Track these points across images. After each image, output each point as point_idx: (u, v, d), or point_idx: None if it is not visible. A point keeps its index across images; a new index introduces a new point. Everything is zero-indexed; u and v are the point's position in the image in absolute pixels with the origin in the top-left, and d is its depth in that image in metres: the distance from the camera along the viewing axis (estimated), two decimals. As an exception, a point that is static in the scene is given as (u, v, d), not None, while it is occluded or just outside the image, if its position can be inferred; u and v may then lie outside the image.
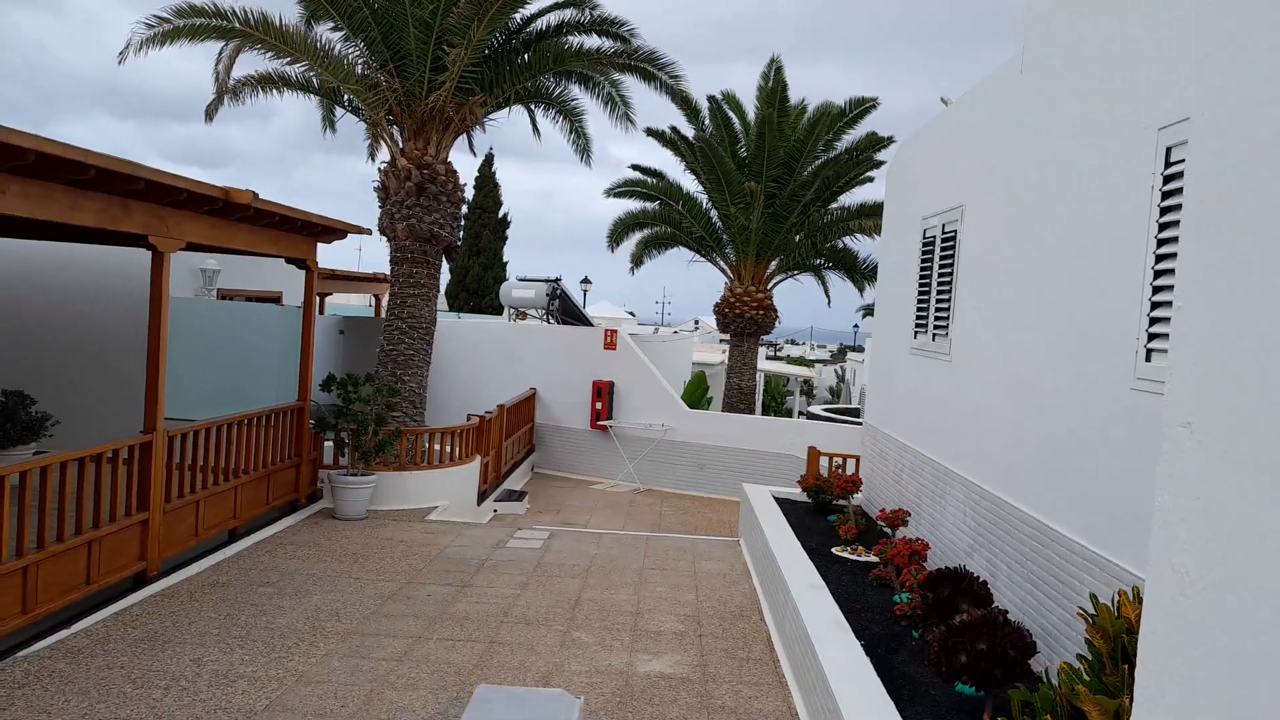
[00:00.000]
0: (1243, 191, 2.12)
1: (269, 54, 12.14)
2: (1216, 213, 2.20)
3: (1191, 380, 2.20)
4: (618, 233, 21.19)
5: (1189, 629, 2.11)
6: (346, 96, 13.10)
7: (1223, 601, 2.02)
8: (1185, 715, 2.12)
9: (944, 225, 8.17)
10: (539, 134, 14.86)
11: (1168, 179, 4.39)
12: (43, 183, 5.94)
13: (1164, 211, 4.39)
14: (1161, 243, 4.39)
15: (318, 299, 15.45)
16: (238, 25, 11.66)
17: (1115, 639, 3.49)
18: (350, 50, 12.68)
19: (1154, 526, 2.32)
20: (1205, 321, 2.20)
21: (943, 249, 8.15)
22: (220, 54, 12.53)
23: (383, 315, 16.18)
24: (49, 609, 6.13)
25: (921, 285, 8.74)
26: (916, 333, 8.85)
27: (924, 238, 8.77)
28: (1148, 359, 4.47)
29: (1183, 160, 4.21)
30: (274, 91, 13.22)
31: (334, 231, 10.36)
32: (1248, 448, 1.99)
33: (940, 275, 8.17)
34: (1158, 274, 4.41)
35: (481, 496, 12.33)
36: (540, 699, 3.87)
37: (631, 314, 41.67)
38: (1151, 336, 4.45)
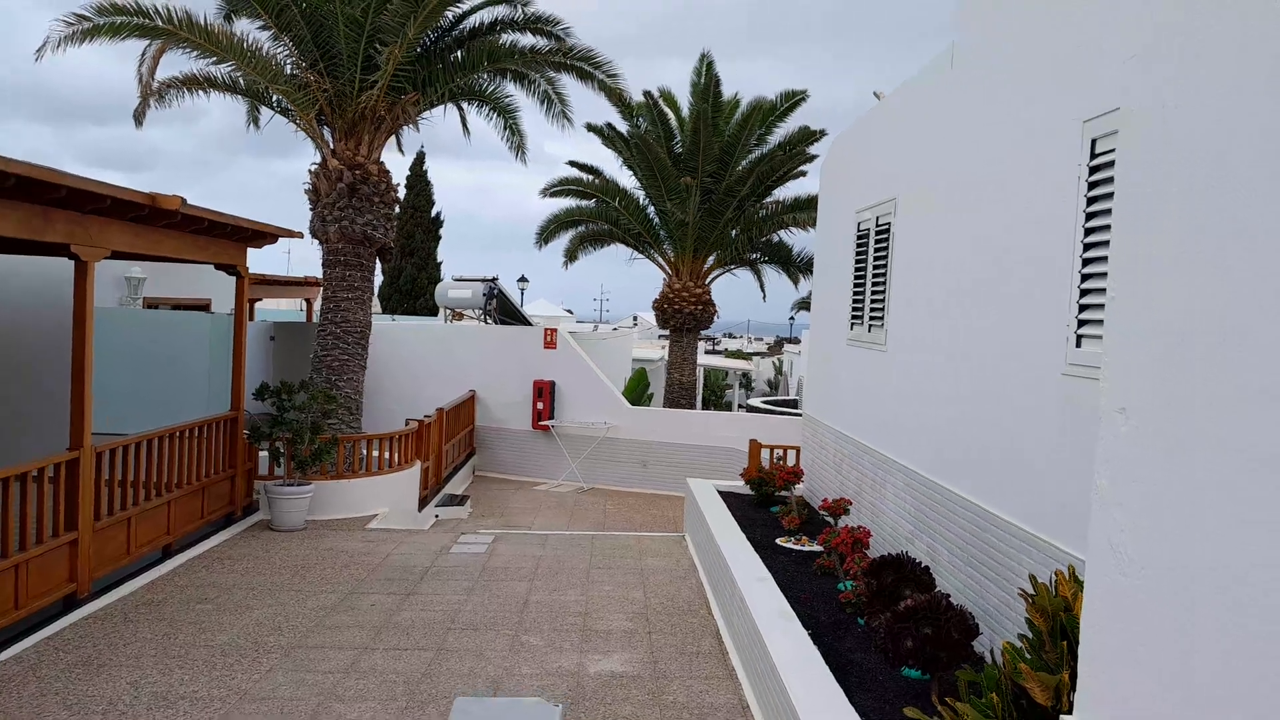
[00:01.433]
0: (1171, 185, 2.20)
1: (194, 54, 11.81)
2: (1146, 205, 2.28)
3: (1125, 367, 2.28)
4: (549, 230, 21.10)
5: (1128, 606, 2.18)
6: (275, 97, 12.81)
7: (1159, 579, 2.10)
8: (1126, 689, 2.20)
9: (878, 218, 8.31)
10: (469, 133, 14.73)
11: (1094, 169, 4.52)
12: (-45, 192, 5.70)
13: (1090, 201, 4.53)
14: (1089, 231, 4.52)
15: (248, 304, 15.11)
16: (161, 24, 11.32)
17: (1054, 617, 3.59)
18: (279, 50, 12.41)
19: (1092, 508, 2.39)
20: (1137, 310, 2.28)
21: (877, 241, 8.29)
22: (144, 54, 12.15)
23: (315, 320, 15.88)
24: (-26, 635, 5.90)
25: (857, 277, 8.87)
26: (853, 324, 8.98)
27: (858, 230, 8.90)
28: (1078, 345, 4.60)
29: (1109, 151, 4.35)
30: (200, 92, 12.87)
31: (264, 236, 10.13)
32: (1181, 431, 2.06)
33: (875, 267, 8.30)
34: (1086, 262, 4.55)
35: (423, 502, 12.18)
36: (520, 708, 3.86)
37: (570, 312, 41.57)
38: (1081, 323, 4.58)
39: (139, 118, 12.78)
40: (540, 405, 16.36)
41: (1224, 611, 1.85)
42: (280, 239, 10.61)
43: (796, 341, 41.69)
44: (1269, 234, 1.79)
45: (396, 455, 11.54)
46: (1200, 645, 1.92)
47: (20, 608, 6.35)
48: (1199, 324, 1.97)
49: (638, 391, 20.95)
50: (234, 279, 10.12)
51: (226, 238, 9.49)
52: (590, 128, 19.37)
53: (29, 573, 6.45)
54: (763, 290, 21.93)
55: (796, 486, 10.07)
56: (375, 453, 11.38)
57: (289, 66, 12.40)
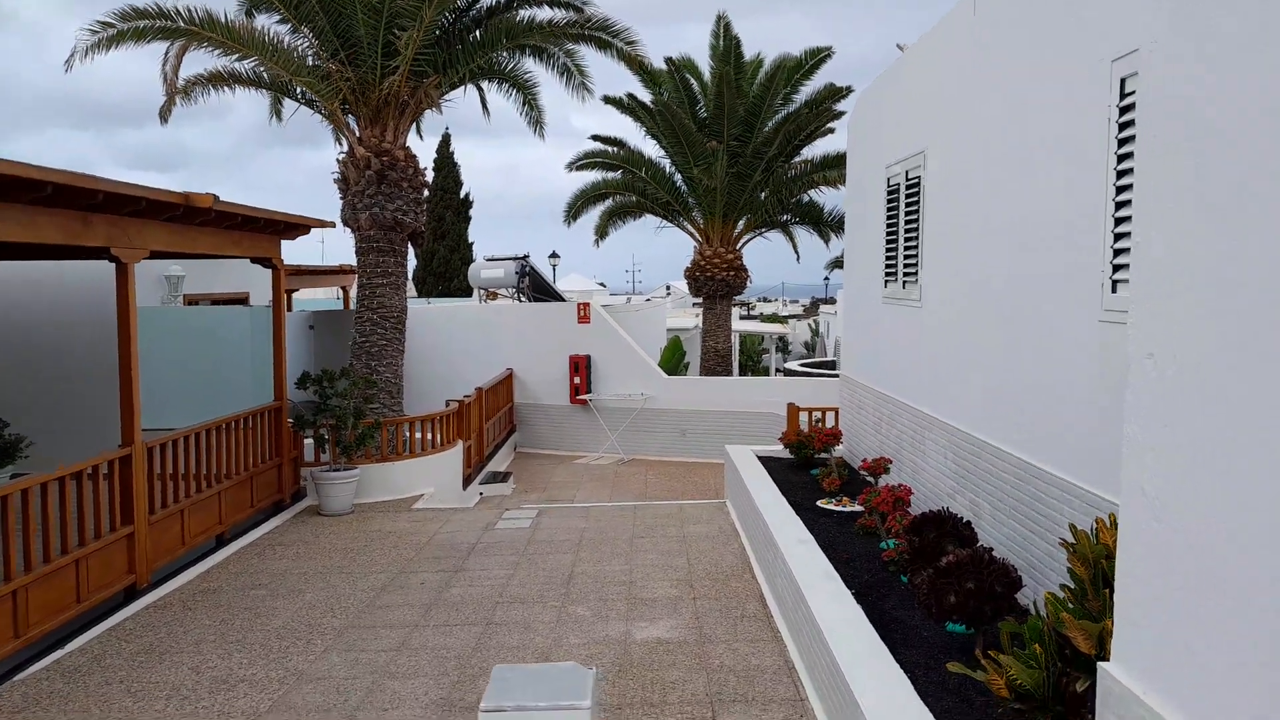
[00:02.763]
0: (1195, 126, 2.15)
1: (217, 51, 11.93)
2: (1170, 149, 2.23)
3: (1152, 312, 2.24)
4: (577, 206, 21.08)
5: (1161, 551, 2.17)
6: (299, 89, 12.90)
7: (1192, 523, 2.08)
8: (1162, 634, 2.19)
9: (907, 172, 8.20)
10: (488, 113, 14.75)
11: (1123, 110, 4.42)
12: (1, 203, 5.83)
13: (1121, 143, 4.43)
14: (1121, 174, 4.43)
15: (285, 295, 15.31)
16: (182, 24, 11.44)
17: (1095, 565, 3.57)
18: (299, 41, 12.48)
19: (1124, 455, 2.37)
20: (1163, 253, 2.24)
21: (908, 195, 8.18)
22: (167, 54, 12.29)
23: (352, 307, 16.07)
24: (42, 630, 6.10)
25: (889, 233, 8.78)
26: (887, 281, 8.90)
27: (888, 185, 8.79)
28: (1113, 290, 4.53)
29: (1135, 91, 4.25)
30: (225, 89, 13.01)
31: (297, 227, 10.25)
32: (1207, 377, 2.03)
33: (907, 222, 8.21)
34: (1119, 205, 4.46)
35: (466, 481, 12.34)
36: (556, 673, 3.94)
37: (602, 285, 41.58)
38: (1116, 268, 4.50)
39: (164, 115, 12.94)
40: (577, 380, 16.44)
41: (1257, 552, 1.84)
42: (313, 229, 10.73)
43: (832, 302, 41.35)
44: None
45: (439, 436, 11.69)
46: (1234, 587, 1.90)
47: (83, 600, 6.56)
48: (1226, 268, 1.94)
49: (673, 361, 20.95)
50: (270, 271, 10.25)
51: (260, 231, 9.62)
52: (609, 99, 19.26)
53: (89, 567, 6.65)
54: (796, 252, 21.77)
55: (836, 448, 10.05)
56: (418, 434, 11.53)
57: (310, 57, 12.47)
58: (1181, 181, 2.15)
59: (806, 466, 9.77)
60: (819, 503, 8.11)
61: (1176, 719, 2.08)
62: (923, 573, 4.96)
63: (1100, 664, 2.46)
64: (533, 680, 3.84)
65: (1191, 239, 2.11)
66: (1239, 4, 1.93)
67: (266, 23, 12.69)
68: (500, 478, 13.80)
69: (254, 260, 10.03)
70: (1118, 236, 4.48)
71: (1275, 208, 1.80)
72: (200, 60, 12.72)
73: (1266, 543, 1.81)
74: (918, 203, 7.89)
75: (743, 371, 29.10)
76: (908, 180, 8.16)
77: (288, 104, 14.05)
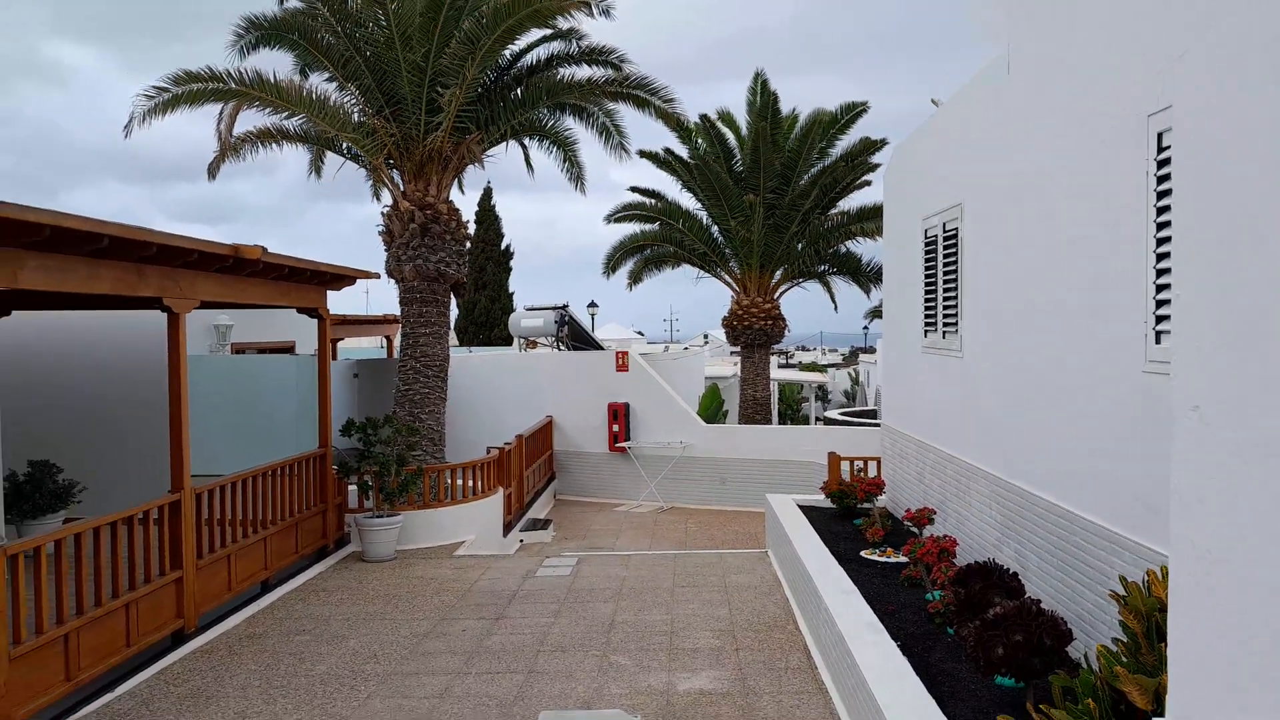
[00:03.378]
0: (1229, 179, 2.19)
1: (267, 110, 12.35)
2: (1206, 201, 2.27)
3: (1196, 365, 2.26)
4: (615, 258, 21.32)
5: (1214, 605, 2.16)
6: (345, 144, 13.29)
7: (1245, 578, 2.08)
8: (1217, 692, 2.17)
9: (944, 224, 8.24)
10: (532, 169, 15.03)
11: (1160, 164, 4.45)
12: (60, 255, 6.07)
13: (1160, 195, 4.46)
14: (1160, 226, 4.45)
15: (330, 344, 15.59)
16: (234, 86, 11.87)
17: (1149, 618, 3.53)
18: (345, 99, 12.87)
19: (1172, 508, 2.37)
20: (1204, 307, 2.26)
21: (946, 247, 8.21)
22: (221, 114, 12.74)
23: (395, 356, 16.32)
24: (92, 674, 6.21)
25: (928, 284, 8.80)
26: (927, 331, 8.90)
27: (926, 237, 8.83)
28: (1157, 341, 4.52)
29: (1171, 145, 4.28)
30: (273, 145, 13.43)
31: (343, 278, 10.49)
32: (1254, 429, 2.04)
33: (945, 273, 8.23)
34: (1159, 257, 4.47)
35: (507, 528, 12.39)
36: (602, 719, 3.96)
37: (640, 334, 41.79)
38: (1159, 319, 4.50)
39: (213, 172, 13.35)
40: (616, 427, 16.50)
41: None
42: (358, 280, 10.97)
43: (872, 351, 41.14)
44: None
45: (480, 483, 11.77)
46: (1292, 640, 1.89)
47: (132, 645, 6.67)
48: (1266, 320, 1.96)
49: (712, 409, 20.94)
50: (316, 321, 10.48)
51: (306, 282, 9.86)
52: (645, 153, 19.58)
53: (139, 611, 6.77)
54: (834, 301, 21.78)
55: (878, 498, 9.97)
56: (459, 481, 11.63)
57: (356, 114, 12.85)
58: (1218, 232, 2.19)
59: (849, 516, 9.70)
60: (862, 553, 8.05)
61: (1234, 775, 2.06)
62: (969, 625, 4.91)
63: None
64: None
65: (1234, 285, 2.14)
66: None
67: (314, 81, 13.13)
68: (540, 525, 13.83)
69: (300, 310, 10.26)
70: (1159, 288, 4.48)
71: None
72: (250, 119, 13.12)
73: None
74: (956, 254, 7.92)
75: (782, 420, 28.98)
76: (945, 232, 8.20)
77: (331, 159, 14.46)
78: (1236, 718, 2.05)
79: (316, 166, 14.76)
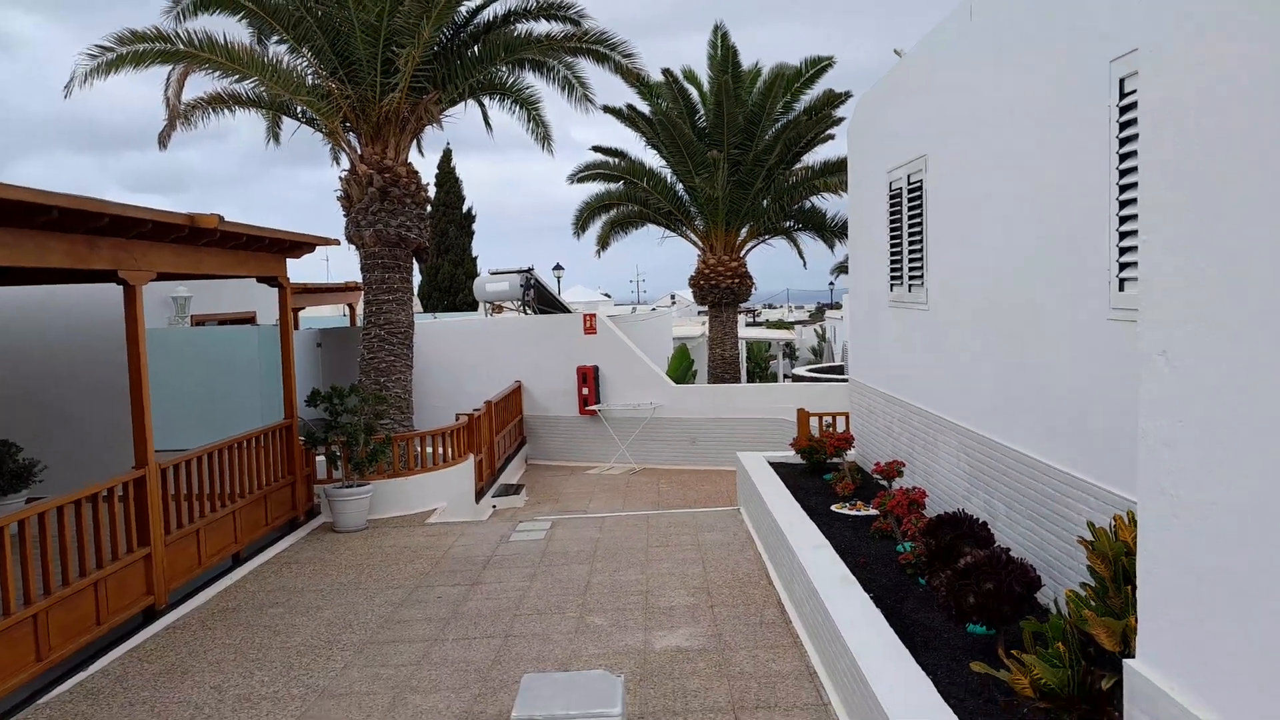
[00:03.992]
0: (1195, 121, 2.18)
1: (217, 73, 12.02)
2: (1171, 145, 2.26)
3: (1163, 310, 2.27)
4: (584, 218, 21.16)
5: (1181, 547, 2.19)
6: (299, 108, 12.99)
7: (1211, 519, 2.10)
8: (1185, 630, 2.20)
9: (909, 176, 8.23)
10: (491, 128, 14.83)
11: (1123, 110, 4.45)
12: (8, 229, 5.89)
13: (1123, 143, 4.46)
14: (1124, 173, 4.46)
15: (292, 313, 15.35)
16: (182, 47, 11.53)
17: (1115, 562, 3.58)
18: (299, 61, 12.57)
19: (1139, 453, 2.39)
20: (1170, 252, 2.26)
21: (910, 199, 8.21)
22: (169, 78, 12.38)
23: (359, 324, 16.13)
24: (63, 653, 6.13)
25: (893, 237, 8.81)
26: (893, 285, 8.92)
27: (890, 190, 8.83)
28: (1120, 288, 4.55)
29: (1135, 90, 4.27)
30: (225, 111, 13.11)
31: (302, 246, 10.30)
32: (1221, 372, 2.05)
33: (911, 225, 8.23)
34: (1123, 204, 4.49)
35: (479, 494, 12.36)
36: (584, 680, 3.98)
37: (607, 295, 41.65)
38: (1122, 266, 4.53)
39: (163, 141, 13.02)
40: (585, 390, 16.47)
41: (1272, 553, 1.85)
42: (318, 247, 10.79)
43: (838, 307, 41.37)
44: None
45: (450, 450, 11.72)
46: (1256, 581, 1.92)
47: (102, 623, 6.59)
48: (1232, 264, 1.96)
49: (681, 369, 20.97)
50: (276, 290, 10.30)
51: (265, 250, 9.67)
52: (609, 109, 19.32)
53: (108, 589, 6.68)
54: (802, 258, 21.81)
55: (848, 452, 10.06)
56: (429, 449, 11.56)
57: (310, 77, 12.55)
58: (1183, 179, 2.18)
59: (819, 472, 9.78)
60: (833, 507, 8.12)
61: (1206, 714, 2.10)
62: (941, 575, 4.97)
63: (1126, 661, 2.48)
64: (562, 688, 3.87)
65: (1197, 237, 2.14)
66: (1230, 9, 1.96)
67: (267, 45, 12.79)
68: (513, 490, 13.82)
69: (260, 279, 10.07)
70: (1123, 235, 4.50)
71: (1273, 203, 1.83)
72: (200, 84, 12.79)
73: (1290, 535, 1.83)
74: (920, 206, 7.92)
75: (751, 378, 29.12)
76: (910, 184, 8.19)
77: (287, 124, 14.16)
78: (1203, 656, 2.09)
79: (274, 132, 14.44)
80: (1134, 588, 3.53)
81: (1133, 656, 2.49)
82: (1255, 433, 1.94)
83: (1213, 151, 2.10)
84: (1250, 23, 1.93)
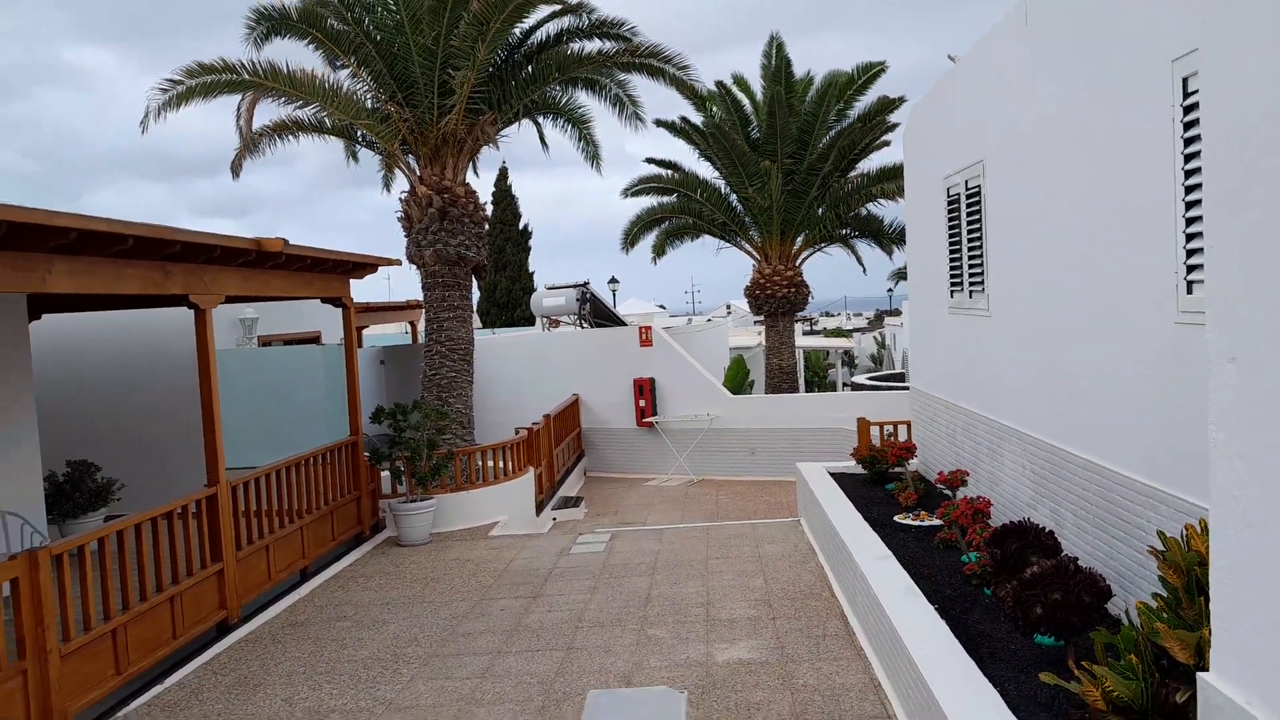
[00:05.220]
0: (1260, 123, 2.14)
1: (282, 100, 12.37)
2: (1236, 148, 2.22)
3: (1232, 315, 2.22)
4: (634, 232, 21.25)
5: (1256, 557, 2.13)
6: (360, 132, 13.29)
7: (1289, 526, 2.04)
8: (1261, 642, 2.14)
9: (967, 181, 8.13)
10: (547, 147, 14.97)
11: (1187, 110, 4.36)
12: (86, 258, 6.14)
13: (1188, 143, 4.36)
14: (1189, 174, 4.36)
15: (355, 332, 15.67)
16: (247, 77, 11.89)
17: (1188, 573, 3.49)
18: (359, 86, 12.87)
19: (1210, 461, 2.34)
20: (1238, 256, 2.22)
21: (969, 205, 8.11)
22: (239, 107, 12.78)
23: (420, 341, 16.40)
24: (141, 667, 6.33)
25: (952, 244, 8.70)
26: (953, 291, 8.81)
27: (948, 196, 8.72)
28: (1189, 291, 4.44)
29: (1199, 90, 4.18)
30: (290, 137, 13.47)
31: (365, 266, 10.53)
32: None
33: (970, 231, 8.13)
34: (1189, 205, 4.38)
35: (539, 506, 12.47)
36: (648, 697, 4.01)
37: (662, 307, 41.74)
38: (1190, 269, 4.42)
39: (236, 169, 13.44)
40: (642, 403, 16.52)
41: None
42: (380, 267, 11.01)
43: (897, 314, 40.86)
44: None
45: (510, 463, 11.84)
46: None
47: (178, 636, 6.79)
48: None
49: (738, 380, 20.92)
50: (340, 310, 10.54)
51: (329, 272, 9.91)
52: (660, 123, 19.42)
53: (183, 603, 6.89)
54: (861, 264, 21.63)
55: (910, 462, 9.93)
56: (490, 463, 11.71)
57: (369, 100, 12.84)
58: (1251, 180, 2.14)
59: (881, 482, 9.67)
60: (896, 518, 8.03)
61: (1283, 727, 2.04)
62: (1007, 585, 4.89)
63: (1200, 675, 2.42)
64: (627, 705, 3.89)
65: (1264, 238, 2.09)
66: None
67: (327, 70, 13.13)
68: (572, 502, 13.90)
69: (325, 300, 10.32)
70: (1189, 237, 4.40)
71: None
72: (266, 111, 13.15)
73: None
74: (979, 212, 7.82)
75: (809, 388, 28.91)
76: (968, 190, 8.09)
77: (347, 146, 14.47)
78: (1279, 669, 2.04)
79: (352, 152, 14.71)
80: (1207, 599, 3.44)
81: (1207, 670, 2.43)
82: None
83: (1276, 150, 2.06)
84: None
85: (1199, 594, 3.46)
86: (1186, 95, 4.36)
